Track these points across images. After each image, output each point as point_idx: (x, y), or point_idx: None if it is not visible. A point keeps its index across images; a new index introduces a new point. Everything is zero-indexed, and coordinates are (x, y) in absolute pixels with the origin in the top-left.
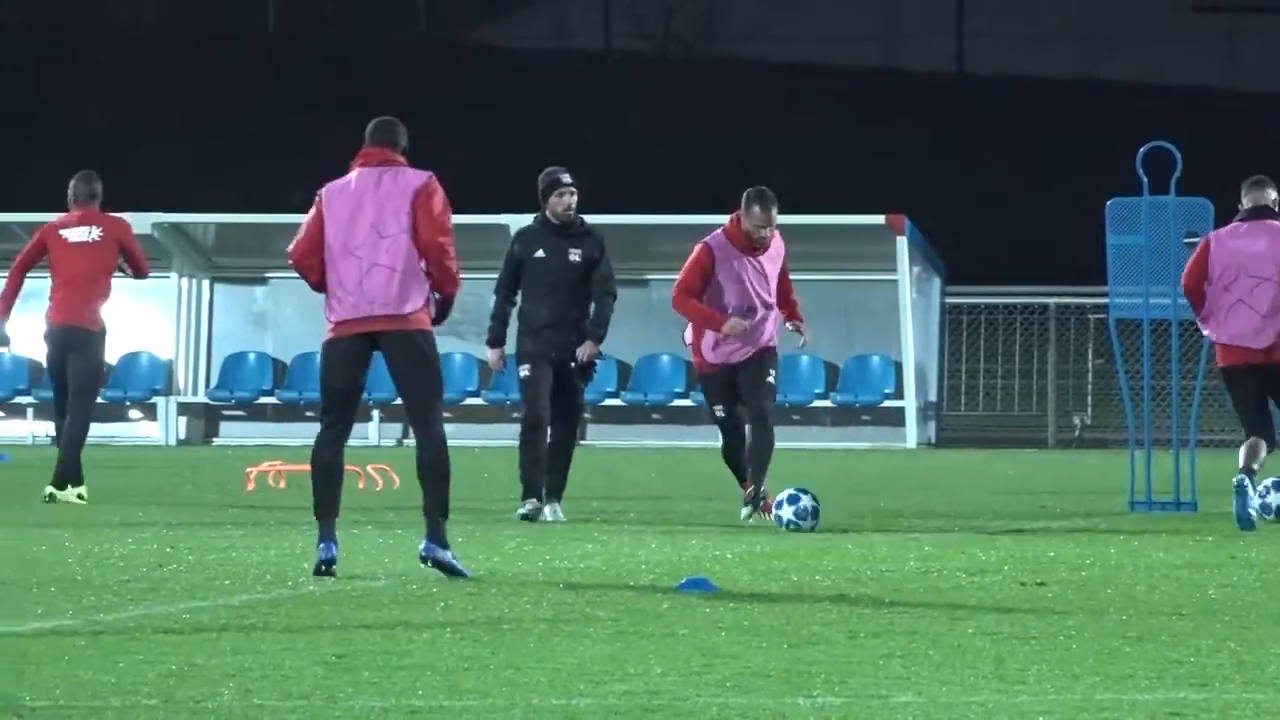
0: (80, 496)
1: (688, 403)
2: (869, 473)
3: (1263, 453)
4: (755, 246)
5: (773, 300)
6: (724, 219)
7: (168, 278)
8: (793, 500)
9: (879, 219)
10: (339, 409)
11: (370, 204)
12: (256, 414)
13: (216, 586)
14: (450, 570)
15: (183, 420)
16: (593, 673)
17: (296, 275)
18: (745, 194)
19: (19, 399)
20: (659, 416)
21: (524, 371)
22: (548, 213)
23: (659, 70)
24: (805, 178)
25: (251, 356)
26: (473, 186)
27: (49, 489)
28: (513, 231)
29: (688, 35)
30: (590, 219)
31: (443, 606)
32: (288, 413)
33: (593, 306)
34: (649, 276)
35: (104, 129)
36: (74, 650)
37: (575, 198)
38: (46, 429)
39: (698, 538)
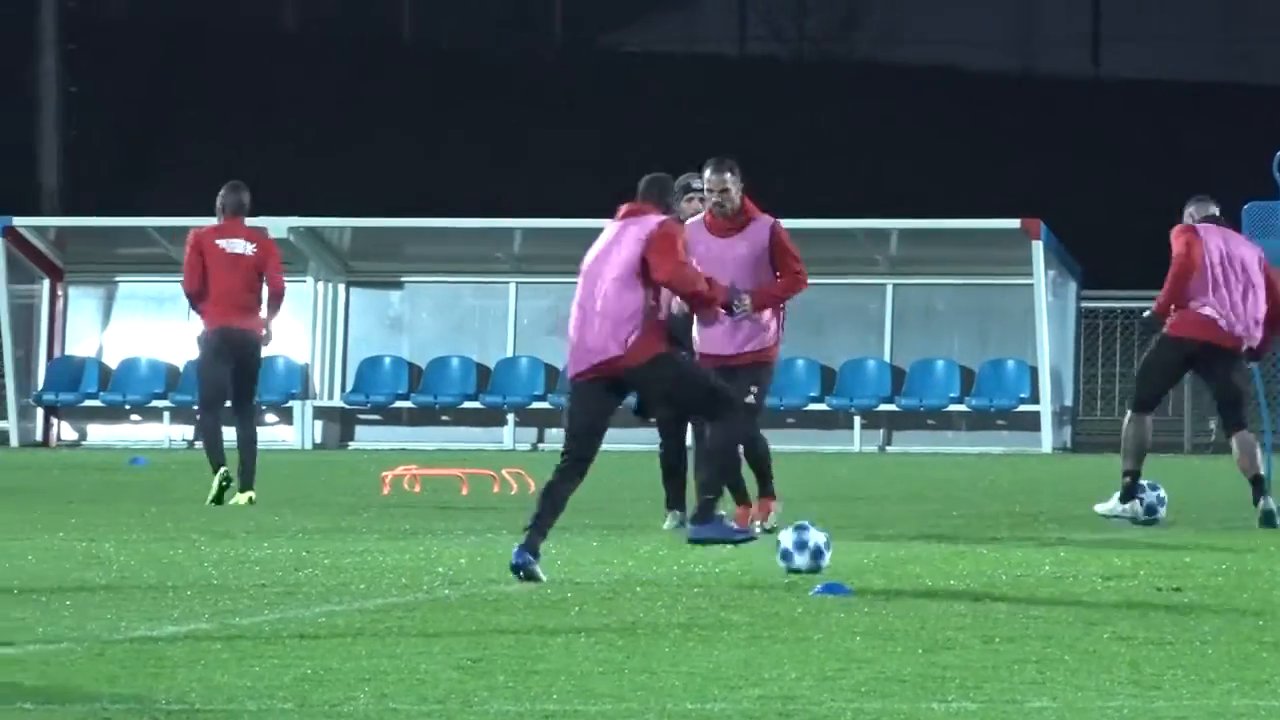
0: (251, 500)
1: (823, 407)
2: (1004, 477)
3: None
4: (721, 223)
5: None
6: (858, 223)
7: (303, 282)
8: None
9: (1015, 223)
10: (578, 445)
11: (605, 255)
12: (392, 418)
13: (351, 590)
14: (716, 542)
15: (318, 424)
16: (727, 677)
17: (431, 279)
18: None
19: (156, 403)
20: (793, 421)
21: None
22: (679, 217)
23: (793, 73)
24: (941, 181)
25: (387, 360)
26: (606, 190)
27: (236, 495)
28: None
29: (822, 38)
30: None
31: (577, 611)
32: (423, 417)
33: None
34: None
35: (241, 132)
36: (209, 654)
37: (705, 205)
38: (183, 433)
39: (836, 541)
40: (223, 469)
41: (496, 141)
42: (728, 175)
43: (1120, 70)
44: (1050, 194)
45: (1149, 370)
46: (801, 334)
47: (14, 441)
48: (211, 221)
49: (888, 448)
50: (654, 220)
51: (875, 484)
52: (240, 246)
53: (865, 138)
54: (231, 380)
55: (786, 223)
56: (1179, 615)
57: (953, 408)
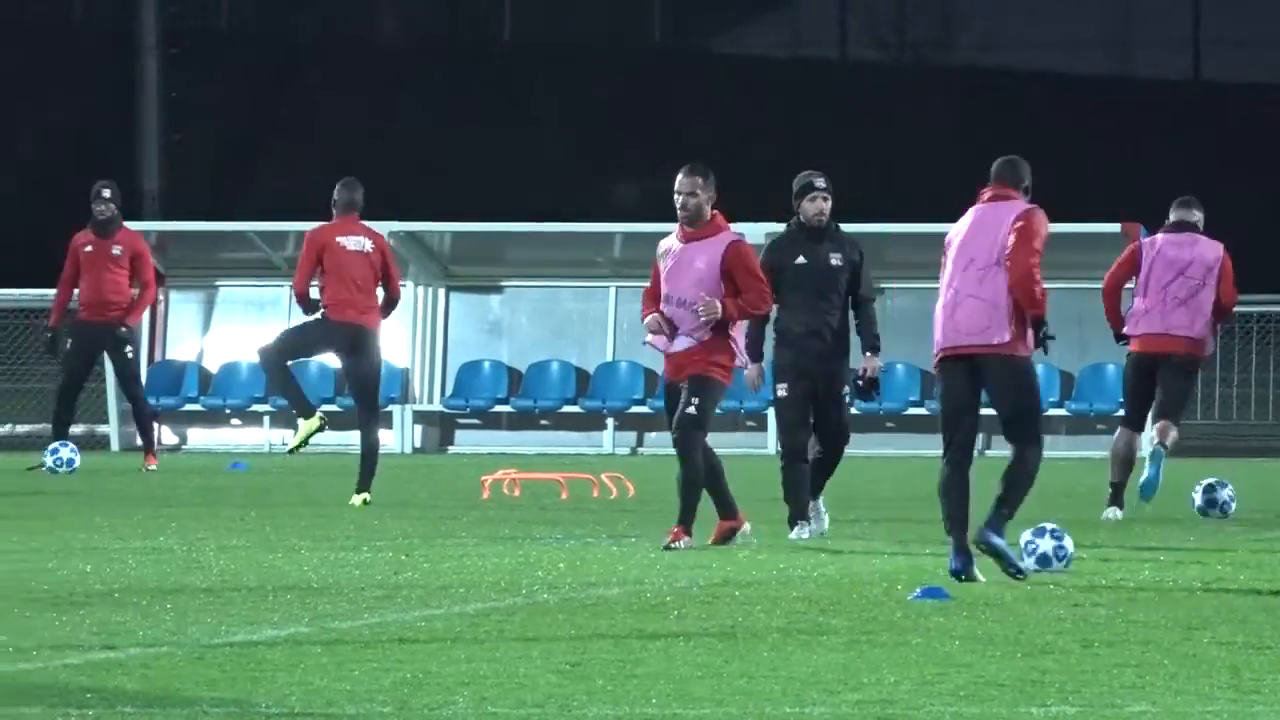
0: (365, 501)
1: (922, 411)
2: (1103, 482)
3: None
4: (687, 230)
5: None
6: (948, 228)
7: (404, 286)
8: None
9: (1115, 227)
10: (951, 429)
11: (976, 238)
12: (491, 422)
13: (451, 594)
14: (1000, 557)
15: (418, 429)
16: (826, 681)
17: (531, 284)
18: None
19: (256, 407)
20: (893, 425)
21: (781, 391)
22: (800, 218)
23: (894, 78)
24: (1041, 185)
25: (486, 365)
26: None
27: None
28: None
29: (923, 44)
30: None
31: (676, 615)
32: (522, 421)
33: (853, 316)
34: (883, 285)
35: (340, 137)
36: (309, 658)
37: (829, 203)
38: (283, 437)
39: (931, 546)
40: (317, 416)
41: (596, 144)
42: (697, 180)
43: (1221, 73)
44: (1150, 198)
45: (1131, 388)
46: (900, 339)
47: (115, 445)
48: (312, 225)
49: (987, 452)
50: (1017, 206)
51: (974, 488)
52: (358, 244)
53: (965, 142)
54: (351, 383)
55: (884, 227)
56: (1279, 620)
57: (1052, 412)
